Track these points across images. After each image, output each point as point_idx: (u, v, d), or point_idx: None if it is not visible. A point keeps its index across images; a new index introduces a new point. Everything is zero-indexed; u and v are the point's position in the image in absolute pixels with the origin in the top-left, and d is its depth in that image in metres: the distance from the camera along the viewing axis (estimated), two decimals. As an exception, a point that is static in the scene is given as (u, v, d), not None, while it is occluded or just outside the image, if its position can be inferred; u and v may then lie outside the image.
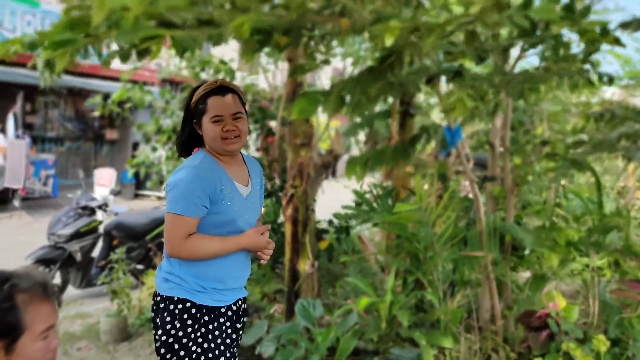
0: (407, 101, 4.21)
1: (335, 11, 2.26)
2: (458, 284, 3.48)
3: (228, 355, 2.12)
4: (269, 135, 5.10)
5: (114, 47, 2.97)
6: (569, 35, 2.59)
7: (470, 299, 3.51)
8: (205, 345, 2.03)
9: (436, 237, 3.23)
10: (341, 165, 14.22)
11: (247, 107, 2.22)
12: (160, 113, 5.45)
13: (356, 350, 3.24)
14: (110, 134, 13.72)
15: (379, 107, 4.75)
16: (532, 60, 26.52)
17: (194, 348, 2.03)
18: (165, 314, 2.05)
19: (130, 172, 5.80)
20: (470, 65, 3.77)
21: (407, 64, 3.07)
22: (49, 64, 3.24)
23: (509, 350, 2.97)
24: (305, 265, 4.01)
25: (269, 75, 5.85)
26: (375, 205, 3.99)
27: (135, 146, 13.21)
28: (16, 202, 10.50)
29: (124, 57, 2.89)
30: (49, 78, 3.29)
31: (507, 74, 2.86)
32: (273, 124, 5.34)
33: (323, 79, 7.08)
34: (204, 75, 5.76)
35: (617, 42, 2.46)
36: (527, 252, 3.32)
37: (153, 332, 2.10)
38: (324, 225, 5.60)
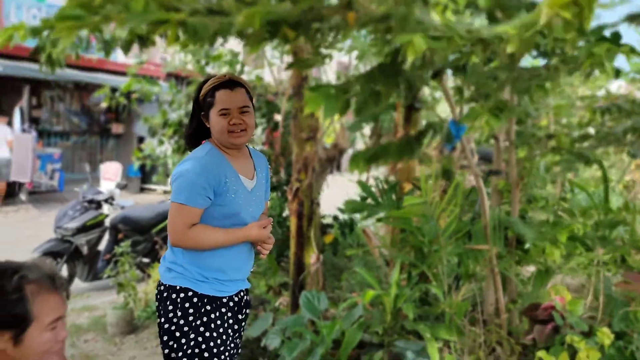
0: (413, 95, 4.20)
1: (343, 3, 2.25)
2: (463, 277, 3.49)
3: (229, 344, 2.15)
4: (275, 129, 5.11)
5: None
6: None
7: (475, 292, 3.52)
8: (207, 334, 2.06)
9: (441, 231, 3.24)
10: (346, 159, 14.22)
11: (254, 102, 2.24)
12: (168, 106, 5.47)
13: (361, 343, 3.25)
14: (116, 128, 13.77)
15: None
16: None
17: (194, 336, 2.06)
18: (168, 303, 2.09)
19: (136, 165, 5.83)
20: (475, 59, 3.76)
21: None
22: (50, 58, 3.25)
23: (513, 343, 2.98)
24: (310, 259, 4.03)
25: (274, 69, 5.85)
26: (380, 199, 4.00)
27: (141, 140, 13.24)
28: (23, 196, 10.56)
29: (126, 47, 2.89)
30: (50, 68, 3.30)
31: (514, 69, 2.85)
32: (278, 117, 5.35)
33: (329, 72, 7.08)
34: (209, 70, 5.77)
35: (633, 52, 2.45)
36: (530, 246, 3.32)
37: (157, 320, 2.13)
38: (328, 220, 5.61)
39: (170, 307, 2.08)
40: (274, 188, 5.03)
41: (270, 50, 5.86)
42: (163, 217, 5.65)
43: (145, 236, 5.88)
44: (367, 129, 6.34)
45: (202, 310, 2.07)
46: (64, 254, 5.47)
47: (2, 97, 11.18)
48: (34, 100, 12.03)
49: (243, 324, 2.29)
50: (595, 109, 3.68)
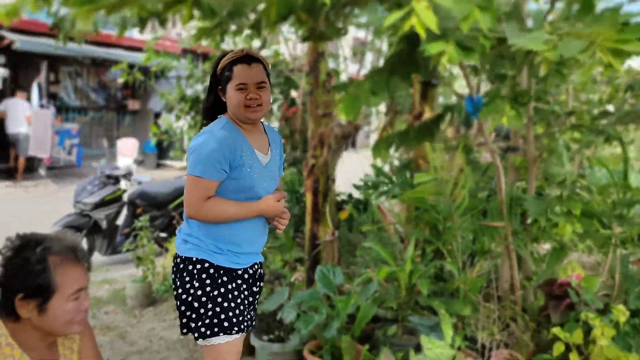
0: (429, 71, 4.16)
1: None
2: (478, 254, 3.50)
3: (245, 315, 2.18)
4: (292, 106, 5.10)
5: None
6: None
7: (489, 269, 3.53)
8: (225, 304, 2.10)
9: (454, 208, 3.24)
10: (361, 136, 14.18)
11: (271, 77, 2.25)
12: (185, 81, 5.49)
13: (375, 317, 3.29)
14: (133, 104, 13.83)
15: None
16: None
17: (212, 306, 2.09)
18: (185, 274, 2.12)
19: (153, 141, 5.87)
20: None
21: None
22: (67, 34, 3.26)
23: (528, 319, 2.99)
24: (325, 235, 4.06)
25: (290, 44, 5.81)
26: (394, 178, 4.00)
27: (157, 117, 13.30)
28: (42, 171, 10.71)
29: (142, 24, 2.90)
30: (65, 43, 3.31)
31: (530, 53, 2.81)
32: (294, 93, 5.34)
33: (345, 48, 7.02)
34: (224, 46, 5.76)
35: None
36: (544, 222, 3.30)
37: (174, 292, 2.17)
38: (343, 197, 5.63)
39: (187, 279, 2.11)
40: (292, 164, 5.04)
41: (286, 26, 5.82)
42: (180, 192, 5.71)
43: (162, 211, 5.96)
44: (382, 106, 6.30)
45: (219, 281, 2.10)
46: (84, 228, 5.57)
47: (20, 72, 11.27)
48: (51, 76, 12.10)
49: (257, 296, 2.32)
50: (616, 85, 3.62)
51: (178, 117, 5.79)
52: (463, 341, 3.02)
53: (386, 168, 5.84)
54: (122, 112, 14.01)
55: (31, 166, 10.88)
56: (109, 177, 5.87)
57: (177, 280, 2.15)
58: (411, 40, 2.77)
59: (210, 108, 2.24)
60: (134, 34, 10.74)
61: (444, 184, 3.02)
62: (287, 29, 6.10)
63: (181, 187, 6.00)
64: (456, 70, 6.14)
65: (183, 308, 2.14)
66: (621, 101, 3.90)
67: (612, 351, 2.37)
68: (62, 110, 12.51)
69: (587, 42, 1.86)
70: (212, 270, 2.11)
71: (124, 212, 6.02)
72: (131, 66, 6.39)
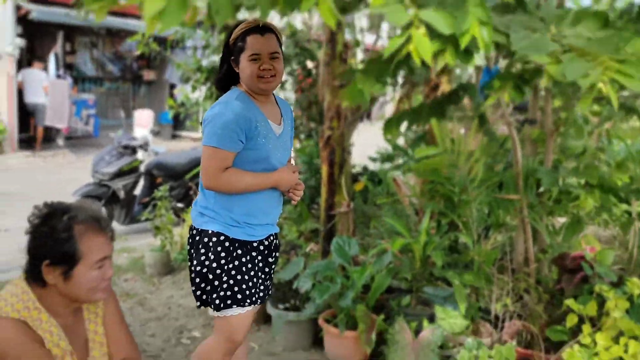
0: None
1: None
2: (493, 226, 3.51)
3: (260, 287, 2.22)
4: (308, 77, 5.08)
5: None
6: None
7: (504, 242, 3.54)
8: (239, 277, 2.14)
9: (469, 180, 3.24)
10: (376, 107, 14.06)
11: (283, 48, 2.24)
12: (201, 51, 5.47)
13: (389, 288, 3.33)
14: (148, 75, 13.85)
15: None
16: None
17: (226, 279, 2.13)
18: (200, 246, 2.15)
19: (170, 113, 5.89)
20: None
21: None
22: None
23: (541, 291, 3.01)
24: (341, 206, 4.08)
25: (306, 14, 5.75)
26: (409, 150, 4.00)
27: (173, 88, 13.30)
28: (60, 141, 10.83)
29: None
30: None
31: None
32: (310, 64, 5.31)
33: (362, 19, 6.94)
34: (240, 16, 5.71)
35: None
36: (562, 194, 3.30)
37: (189, 263, 2.21)
38: (359, 169, 5.64)
39: (203, 251, 2.15)
40: (308, 136, 5.05)
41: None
42: (196, 163, 5.75)
43: (179, 182, 6.02)
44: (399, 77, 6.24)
45: (234, 254, 2.13)
46: (102, 198, 5.65)
47: (37, 43, 11.31)
48: (67, 46, 12.14)
49: (273, 267, 2.35)
50: None
51: (194, 88, 5.79)
52: (477, 312, 3.06)
53: (401, 140, 5.83)
54: (137, 83, 14.05)
55: (49, 136, 11.00)
56: (126, 147, 5.93)
57: (192, 252, 2.18)
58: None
59: (223, 79, 2.24)
60: (149, 3, 10.69)
61: (457, 157, 3.02)
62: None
63: (197, 158, 6.05)
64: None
65: (198, 280, 2.17)
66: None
67: (625, 323, 2.39)
68: (79, 80, 12.58)
69: (590, 64, 1.82)
70: (227, 244, 2.13)
71: (141, 182, 6.09)
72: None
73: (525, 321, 2.97)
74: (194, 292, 2.20)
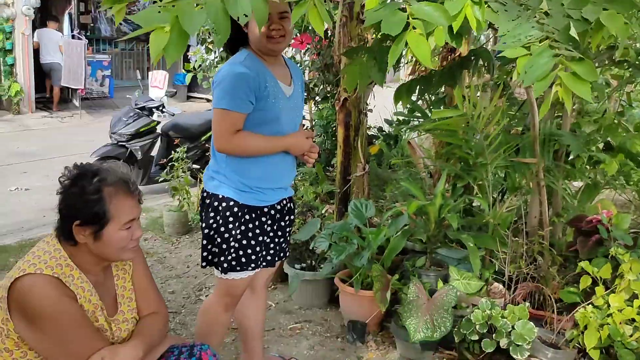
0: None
1: None
2: (508, 190, 3.52)
3: (270, 251, 2.27)
4: (324, 38, 5.03)
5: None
6: None
7: (519, 205, 3.55)
8: (244, 242, 2.18)
9: (487, 144, 3.23)
10: (390, 71, 13.87)
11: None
12: None
13: (404, 250, 3.38)
14: (162, 36, 13.74)
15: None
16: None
17: (233, 243, 2.18)
18: (210, 210, 2.19)
19: (188, 77, 5.87)
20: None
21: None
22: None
23: (555, 254, 3.04)
24: (356, 169, 4.11)
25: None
26: (427, 112, 3.98)
27: (187, 48, 13.20)
28: (76, 102, 10.88)
29: None
30: None
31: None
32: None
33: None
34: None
35: None
36: (581, 159, 3.29)
37: (200, 225, 2.25)
38: (374, 131, 5.63)
39: (212, 214, 2.18)
40: (324, 98, 5.04)
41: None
42: (211, 124, 5.79)
43: (195, 143, 6.07)
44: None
45: (242, 219, 2.16)
46: (120, 159, 5.72)
47: (51, 3, 11.25)
48: (81, 6, 12.06)
49: (288, 229, 2.39)
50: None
51: (209, 50, 5.77)
52: (490, 274, 3.10)
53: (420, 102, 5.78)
54: (152, 44, 13.96)
55: (65, 97, 11.06)
56: (142, 109, 5.96)
57: (202, 214, 2.23)
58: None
59: (232, 40, 2.17)
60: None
61: (476, 120, 3.01)
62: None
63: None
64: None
65: (205, 242, 2.23)
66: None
67: (639, 286, 2.42)
68: (93, 41, 12.53)
69: (550, 62, 1.65)
70: (236, 209, 2.16)
71: (158, 143, 6.15)
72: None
73: (538, 283, 3.01)
74: (201, 252, 2.26)
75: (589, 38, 1.88)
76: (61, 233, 1.68)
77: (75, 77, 10.19)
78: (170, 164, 4.94)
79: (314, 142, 2.32)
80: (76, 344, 1.59)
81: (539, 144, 3.23)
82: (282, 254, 2.43)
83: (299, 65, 5.21)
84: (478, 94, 4.37)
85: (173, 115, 6.25)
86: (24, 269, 1.58)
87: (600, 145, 3.38)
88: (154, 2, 1.47)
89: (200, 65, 5.52)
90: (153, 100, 6.16)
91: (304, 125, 2.48)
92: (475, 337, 2.60)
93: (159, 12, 1.37)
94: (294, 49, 5.24)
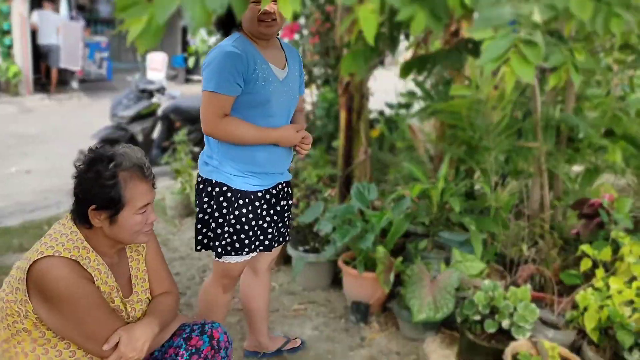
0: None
1: None
2: (510, 174, 3.55)
3: (263, 235, 2.26)
4: (326, 21, 5.02)
5: None
6: None
7: (520, 189, 3.59)
8: (238, 226, 2.18)
9: (492, 127, 3.26)
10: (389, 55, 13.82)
11: None
12: None
13: (406, 232, 3.42)
14: (160, 17, 13.65)
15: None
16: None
17: (227, 228, 2.19)
18: (204, 195, 2.20)
19: (191, 60, 5.85)
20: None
21: None
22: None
23: (556, 237, 3.08)
24: (358, 152, 4.14)
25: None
26: (432, 93, 4.00)
27: (185, 30, 13.13)
28: (74, 84, 10.84)
29: None
30: None
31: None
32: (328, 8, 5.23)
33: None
34: None
35: None
36: (585, 143, 3.32)
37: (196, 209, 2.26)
38: (375, 115, 5.64)
39: (206, 199, 2.20)
40: (325, 82, 5.04)
41: None
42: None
43: (196, 126, 6.06)
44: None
45: (236, 204, 2.17)
46: (121, 141, 5.71)
47: (48, -17, 11.13)
48: (79, -13, 11.96)
49: (287, 214, 2.39)
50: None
51: (210, 32, 5.76)
52: (492, 257, 3.15)
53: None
54: (149, 25, 13.87)
55: (63, 79, 11.00)
56: (143, 91, 5.95)
57: (197, 199, 2.24)
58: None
59: (224, 23, 2.19)
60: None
61: (485, 103, 3.03)
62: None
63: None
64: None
65: (199, 226, 2.24)
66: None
67: (639, 269, 2.46)
68: (91, 22, 12.44)
69: (506, 42, 1.70)
70: (229, 194, 2.17)
71: (159, 126, 6.15)
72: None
73: (539, 266, 3.06)
74: (196, 236, 2.27)
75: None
76: (77, 216, 1.70)
77: (73, 58, 10.14)
78: (172, 147, 4.96)
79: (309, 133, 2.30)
80: (93, 325, 1.62)
81: (540, 128, 3.27)
82: (281, 239, 2.44)
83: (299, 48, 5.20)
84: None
85: (174, 97, 6.25)
86: (42, 252, 1.60)
87: (602, 130, 3.41)
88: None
89: (201, 51, 5.51)
90: (153, 82, 6.15)
91: (304, 110, 2.47)
92: (478, 318, 2.65)
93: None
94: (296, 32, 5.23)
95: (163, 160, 4.99)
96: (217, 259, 2.27)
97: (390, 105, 5.79)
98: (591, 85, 3.95)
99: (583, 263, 2.68)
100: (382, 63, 15.05)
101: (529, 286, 2.69)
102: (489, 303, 2.64)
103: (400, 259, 3.03)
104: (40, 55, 10.59)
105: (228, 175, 2.17)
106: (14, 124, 8.28)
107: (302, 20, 5.22)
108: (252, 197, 2.19)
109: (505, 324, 2.58)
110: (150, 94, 6.00)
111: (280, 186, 2.32)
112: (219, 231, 2.21)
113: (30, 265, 1.58)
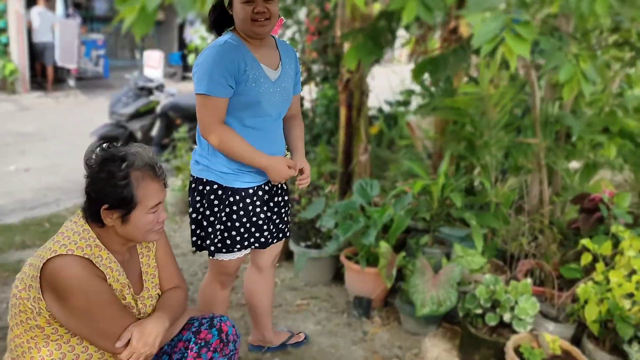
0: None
1: None
2: (510, 170, 3.59)
3: (259, 232, 2.27)
4: (325, 18, 5.05)
5: None
6: None
7: (520, 185, 3.63)
8: (229, 224, 2.19)
9: (493, 123, 3.30)
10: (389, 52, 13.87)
11: None
12: None
13: (407, 228, 3.45)
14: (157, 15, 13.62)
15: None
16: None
17: (219, 226, 2.19)
18: (196, 194, 2.21)
19: (191, 57, 5.85)
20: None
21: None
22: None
23: (555, 231, 3.12)
24: (359, 149, 4.16)
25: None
26: (432, 89, 4.03)
27: (182, 28, 13.11)
28: (71, 82, 10.80)
29: None
30: None
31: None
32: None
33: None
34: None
35: None
36: (580, 140, 3.36)
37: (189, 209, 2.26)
38: (374, 112, 5.67)
39: (198, 199, 2.21)
40: (324, 79, 5.06)
41: None
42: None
43: (194, 123, 6.07)
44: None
45: (227, 202, 2.18)
46: (120, 139, 5.73)
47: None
48: (75, -16, 11.92)
49: (283, 210, 2.38)
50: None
51: (210, 30, 5.77)
52: (493, 252, 3.19)
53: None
54: (145, 23, 13.83)
55: (59, 77, 10.97)
56: (142, 88, 5.96)
57: (189, 198, 2.24)
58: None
59: (217, 22, 2.17)
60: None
61: (487, 100, 3.07)
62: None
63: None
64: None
65: (194, 226, 2.26)
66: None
67: (638, 262, 2.50)
68: (87, 20, 12.40)
69: (497, 23, 1.76)
70: (220, 192, 2.17)
71: (158, 123, 6.16)
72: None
73: (539, 260, 3.10)
74: (191, 237, 2.29)
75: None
76: (89, 215, 1.70)
77: (69, 56, 10.11)
78: (172, 144, 4.97)
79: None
80: (106, 322, 1.64)
81: (539, 125, 3.30)
82: (280, 234, 2.43)
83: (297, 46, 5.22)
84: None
85: (173, 95, 6.25)
86: (55, 250, 1.62)
87: (599, 127, 3.45)
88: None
89: (201, 48, 5.51)
90: (152, 80, 6.16)
91: (300, 113, 2.48)
92: (479, 312, 2.68)
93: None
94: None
95: (163, 157, 5.00)
96: (210, 257, 2.30)
97: (389, 103, 5.83)
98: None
99: (583, 257, 2.72)
100: (377, 61, 15.11)
101: (529, 280, 2.72)
102: (490, 297, 2.68)
103: (403, 253, 3.06)
104: (35, 54, 10.55)
105: (219, 173, 2.17)
106: (11, 122, 8.26)
107: (301, 16, 5.24)
108: (243, 194, 2.20)
109: (507, 317, 2.62)
110: (149, 91, 6.01)
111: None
112: (210, 229, 2.22)
113: (44, 264, 1.60)
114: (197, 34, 5.60)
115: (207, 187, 2.19)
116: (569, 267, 2.88)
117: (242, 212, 2.20)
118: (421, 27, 5.53)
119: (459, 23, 4.30)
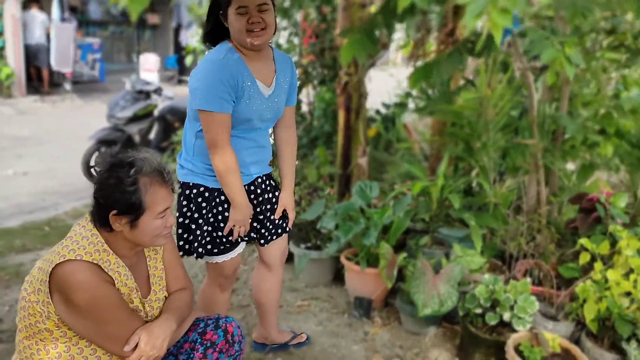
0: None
1: None
2: (508, 170, 3.63)
3: (251, 230, 2.29)
4: (323, 22, 5.08)
5: None
6: None
7: (517, 185, 3.67)
8: (216, 224, 2.20)
9: (491, 125, 3.33)
10: (384, 55, 13.93)
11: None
12: None
13: (407, 229, 3.48)
14: (152, 19, 13.62)
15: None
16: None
17: (206, 227, 2.20)
18: (182, 198, 2.21)
19: (189, 59, 5.87)
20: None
21: None
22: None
23: (553, 231, 3.16)
24: (357, 151, 4.19)
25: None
26: (429, 92, 4.07)
27: (177, 31, 13.13)
28: (67, 86, 10.80)
29: None
30: None
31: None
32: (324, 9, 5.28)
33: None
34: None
35: None
36: (578, 140, 3.40)
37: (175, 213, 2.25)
38: (371, 114, 5.70)
39: (185, 203, 2.21)
40: (321, 82, 5.09)
41: None
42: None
43: (193, 126, 6.09)
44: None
45: (213, 203, 2.19)
46: (118, 142, 5.74)
47: (39, -16, 11.08)
48: (70, -12, 11.90)
49: (275, 206, 2.37)
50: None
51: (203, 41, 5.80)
52: (492, 252, 3.22)
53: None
54: (141, 27, 13.85)
55: (55, 81, 10.96)
56: (139, 92, 5.97)
57: (177, 204, 2.23)
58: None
59: (212, 33, 2.14)
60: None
61: (486, 102, 3.10)
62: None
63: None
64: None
65: (180, 231, 2.25)
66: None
67: (636, 261, 2.54)
68: (83, 24, 12.40)
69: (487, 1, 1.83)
70: (207, 194, 2.18)
71: (155, 127, 6.17)
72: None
73: (537, 260, 3.14)
74: (177, 242, 2.27)
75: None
76: (97, 220, 1.72)
77: (65, 60, 10.10)
78: (170, 147, 4.99)
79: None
80: (114, 326, 1.66)
81: (537, 126, 3.34)
82: (279, 230, 2.44)
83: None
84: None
85: (170, 98, 6.27)
86: (64, 255, 1.63)
87: (596, 127, 3.49)
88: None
89: (194, 49, 5.53)
90: (150, 83, 6.17)
91: (299, 109, 2.49)
92: (479, 311, 2.71)
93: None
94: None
95: (164, 160, 5.02)
96: (200, 260, 2.31)
97: (386, 105, 5.86)
98: (585, 85, 4.04)
99: (581, 257, 2.75)
100: (373, 65, 15.17)
101: (528, 279, 2.76)
102: (490, 296, 2.71)
103: (404, 254, 3.09)
104: (29, 56, 10.49)
105: (203, 176, 2.18)
106: (7, 126, 8.25)
107: (298, 18, 5.27)
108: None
109: (506, 316, 2.65)
110: (146, 94, 6.02)
111: (259, 180, 2.32)
112: (198, 232, 2.22)
113: (53, 269, 1.61)
114: (195, 38, 5.62)
115: (194, 190, 2.19)
116: (567, 266, 2.92)
117: (227, 213, 2.21)
118: (419, 30, 5.58)
119: (456, 25, 4.34)
